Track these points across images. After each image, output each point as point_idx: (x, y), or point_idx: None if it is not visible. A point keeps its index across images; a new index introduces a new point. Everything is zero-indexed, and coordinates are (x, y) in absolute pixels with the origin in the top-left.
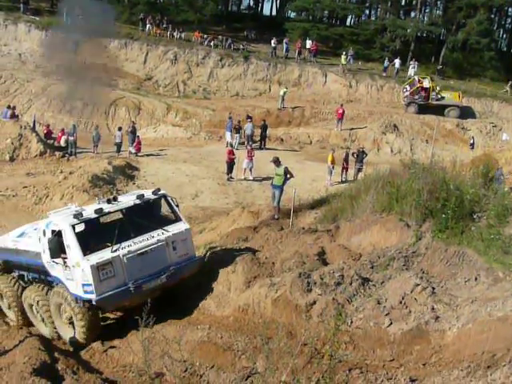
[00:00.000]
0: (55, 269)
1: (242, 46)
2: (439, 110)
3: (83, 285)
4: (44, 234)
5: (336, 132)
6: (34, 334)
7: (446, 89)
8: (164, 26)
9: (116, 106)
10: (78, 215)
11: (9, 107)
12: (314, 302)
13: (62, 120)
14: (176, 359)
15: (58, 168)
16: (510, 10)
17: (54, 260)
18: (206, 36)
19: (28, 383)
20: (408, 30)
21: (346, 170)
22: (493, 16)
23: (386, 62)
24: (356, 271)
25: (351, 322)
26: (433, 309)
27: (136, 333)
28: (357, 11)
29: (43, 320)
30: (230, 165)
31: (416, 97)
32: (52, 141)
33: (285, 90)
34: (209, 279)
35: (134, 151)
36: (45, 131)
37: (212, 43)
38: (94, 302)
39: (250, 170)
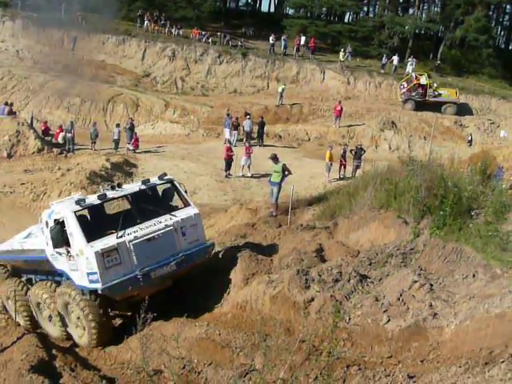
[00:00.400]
0: (59, 261)
1: (240, 43)
2: (436, 107)
3: (88, 274)
4: (47, 224)
5: (334, 129)
6: (31, 332)
7: (443, 86)
8: (162, 22)
9: (114, 103)
10: (80, 201)
11: (6, 104)
12: (312, 299)
13: (59, 117)
14: (174, 356)
15: (56, 165)
16: (507, 7)
17: (58, 251)
18: (204, 33)
19: (26, 380)
20: (406, 27)
21: (344, 167)
22: (491, 13)
23: (384, 59)
24: (354, 268)
25: (349, 319)
26: (431, 305)
27: (134, 330)
28: (355, 8)
29: (51, 319)
30: (228, 162)
31: (413, 93)
32: (50, 137)
33: (283, 86)
34: (207, 276)
35: (131, 148)
36: (42, 128)
37: (210, 40)
38: (99, 291)
39: (248, 166)
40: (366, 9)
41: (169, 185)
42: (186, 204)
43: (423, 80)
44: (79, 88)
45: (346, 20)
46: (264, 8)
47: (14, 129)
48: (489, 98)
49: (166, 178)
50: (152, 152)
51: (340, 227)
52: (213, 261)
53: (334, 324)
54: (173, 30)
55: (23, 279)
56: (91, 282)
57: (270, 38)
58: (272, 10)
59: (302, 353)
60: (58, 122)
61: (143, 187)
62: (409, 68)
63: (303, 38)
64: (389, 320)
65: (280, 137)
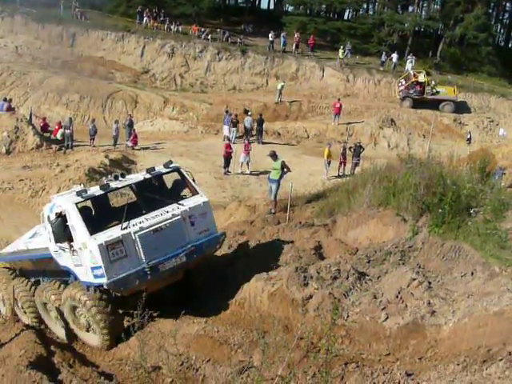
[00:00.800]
0: (63, 257)
1: (239, 40)
2: (434, 105)
3: (92, 268)
4: (49, 219)
5: (333, 126)
6: (29, 328)
7: (443, 83)
8: (161, 19)
9: (113, 99)
10: (81, 192)
11: (5, 100)
12: (311, 297)
13: (58, 113)
14: (172, 353)
15: (55, 161)
16: (507, 5)
17: (60, 245)
18: (203, 29)
19: (24, 376)
20: (406, 25)
21: (344, 165)
22: (490, 11)
23: (384, 57)
24: (352, 266)
25: (347, 317)
26: (429, 303)
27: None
28: (355, 5)
29: (57, 319)
30: (227, 159)
31: (411, 91)
32: (48, 134)
33: (282, 83)
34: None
35: (130, 145)
36: (41, 124)
37: (209, 37)
38: (105, 286)
39: (247, 163)
40: (365, 6)
41: (175, 173)
42: (194, 192)
43: (421, 77)
44: (78, 84)
45: (345, 17)
46: (263, 5)
47: (13, 125)
48: (488, 96)
49: (171, 165)
50: (151, 149)
51: (339, 225)
52: (212, 258)
53: (333, 321)
54: (172, 27)
55: (31, 281)
56: (96, 276)
57: (270, 35)
58: (271, 6)
59: (300, 350)
60: (56, 118)
61: (148, 176)
62: (408, 66)
63: (296, 34)
64: (387, 318)
65: (279, 134)
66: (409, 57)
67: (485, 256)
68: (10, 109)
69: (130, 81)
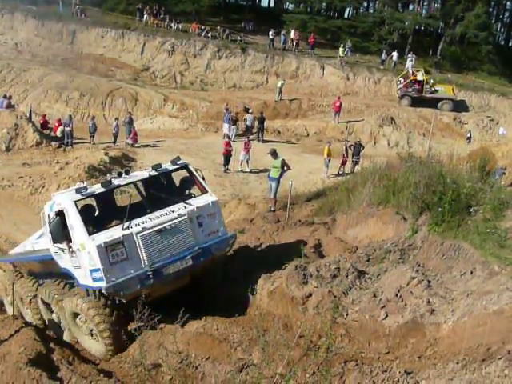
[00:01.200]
0: (63, 259)
1: (239, 38)
2: (433, 103)
3: (91, 271)
4: (48, 218)
5: (333, 125)
6: (29, 324)
7: (443, 82)
8: (161, 16)
9: (113, 97)
10: (81, 190)
11: (5, 97)
12: (310, 295)
13: (58, 110)
14: (171, 351)
15: (54, 158)
16: (508, 4)
17: (59, 246)
18: (203, 27)
19: (23, 373)
20: (406, 23)
21: (345, 163)
22: (491, 10)
23: (384, 55)
24: (352, 264)
25: (347, 315)
26: (428, 302)
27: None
28: (355, 3)
29: (60, 321)
30: (227, 156)
31: (409, 89)
32: (48, 131)
33: (282, 82)
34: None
35: (130, 142)
36: (41, 121)
37: (209, 34)
38: (103, 291)
39: (247, 161)
40: (365, 4)
41: (184, 171)
42: (203, 191)
43: (420, 76)
44: (78, 82)
45: (345, 15)
46: (264, 3)
47: (13, 122)
48: (488, 94)
49: (179, 162)
50: (150, 146)
51: (338, 223)
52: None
53: (332, 320)
54: (172, 24)
55: (40, 282)
56: (95, 280)
57: (270, 33)
58: (272, 4)
59: (299, 348)
60: (56, 115)
61: (154, 173)
62: (408, 64)
63: (292, 32)
64: (386, 316)
65: (279, 132)
66: (409, 55)
67: (484, 255)
68: (9, 106)
69: (130, 78)
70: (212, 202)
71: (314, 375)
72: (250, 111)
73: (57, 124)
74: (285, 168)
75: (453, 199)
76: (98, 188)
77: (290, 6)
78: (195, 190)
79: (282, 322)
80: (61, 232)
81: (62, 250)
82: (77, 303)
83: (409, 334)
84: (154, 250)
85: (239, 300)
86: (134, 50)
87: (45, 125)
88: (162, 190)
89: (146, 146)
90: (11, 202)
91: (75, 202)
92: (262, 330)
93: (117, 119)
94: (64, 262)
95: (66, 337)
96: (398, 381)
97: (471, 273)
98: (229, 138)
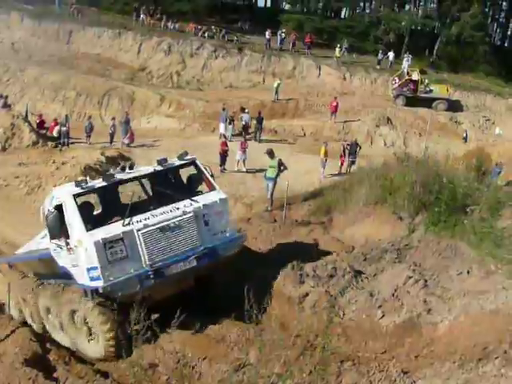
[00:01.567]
0: (61, 256)
1: (236, 38)
2: (427, 103)
3: (88, 269)
4: (47, 212)
5: (330, 124)
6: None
7: (438, 82)
8: (158, 16)
9: (109, 97)
10: (80, 183)
11: (1, 96)
12: (307, 294)
13: (54, 110)
14: (168, 350)
15: (51, 158)
16: (504, 3)
17: (56, 242)
18: (200, 27)
19: (19, 373)
20: (402, 23)
21: (343, 164)
22: (487, 10)
23: (380, 55)
24: (349, 264)
25: (344, 315)
26: (425, 301)
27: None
28: (351, 4)
29: (61, 326)
30: (224, 156)
31: (404, 89)
32: (44, 131)
33: (278, 82)
34: None
35: (127, 142)
36: (37, 121)
37: (206, 34)
38: (100, 290)
39: (244, 161)
40: (362, 5)
41: (191, 167)
42: (211, 188)
43: (415, 76)
44: (74, 81)
45: (342, 16)
46: (260, 3)
47: (9, 122)
48: (484, 94)
49: (186, 157)
50: (147, 146)
51: (335, 223)
52: None
53: (329, 319)
54: (169, 24)
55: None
56: (92, 279)
57: (266, 33)
58: (268, 4)
59: (296, 348)
60: (52, 115)
61: (159, 168)
62: (405, 64)
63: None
64: (383, 315)
65: (276, 132)
66: (405, 55)
67: (481, 254)
68: (5, 106)
69: (127, 78)
70: (220, 199)
71: (311, 375)
72: (246, 110)
73: (53, 124)
74: (281, 168)
75: (449, 199)
76: (99, 182)
77: (287, 6)
78: (203, 186)
79: (279, 322)
80: (58, 227)
81: (60, 246)
82: (76, 301)
83: (405, 333)
84: (156, 249)
85: (236, 300)
86: (131, 49)
87: (41, 125)
88: (168, 185)
89: (143, 145)
90: (7, 202)
91: (74, 195)
92: (259, 329)
93: (113, 119)
94: (62, 259)
95: (65, 340)
96: (395, 380)
97: (468, 272)
98: (225, 137)
